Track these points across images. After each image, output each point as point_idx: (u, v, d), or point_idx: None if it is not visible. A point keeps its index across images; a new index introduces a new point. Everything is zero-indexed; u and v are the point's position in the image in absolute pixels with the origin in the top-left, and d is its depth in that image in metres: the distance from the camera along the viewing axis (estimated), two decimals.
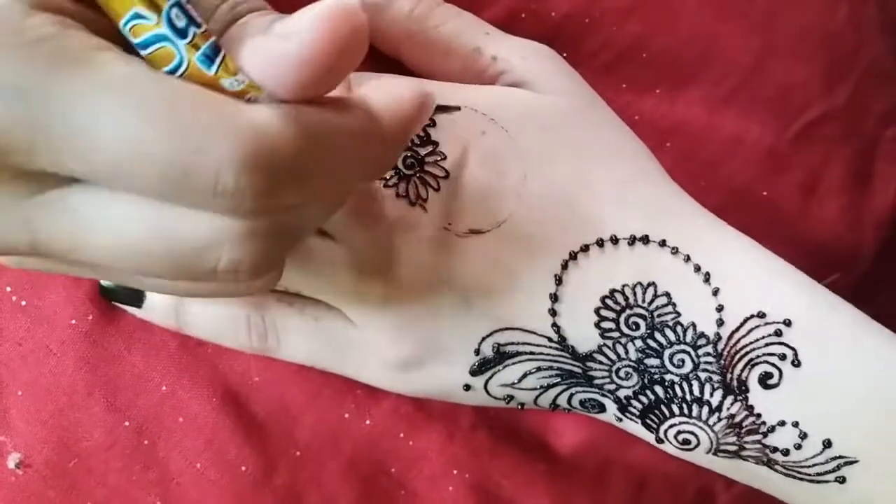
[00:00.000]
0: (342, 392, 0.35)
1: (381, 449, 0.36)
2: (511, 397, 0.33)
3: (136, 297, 0.34)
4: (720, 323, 0.31)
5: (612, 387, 0.32)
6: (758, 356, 0.31)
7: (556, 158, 0.32)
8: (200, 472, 0.34)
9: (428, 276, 0.31)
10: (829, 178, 0.41)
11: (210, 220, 0.21)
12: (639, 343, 0.31)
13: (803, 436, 0.31)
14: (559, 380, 0.32)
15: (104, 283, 0.34)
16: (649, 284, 0.31)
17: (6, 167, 0.20)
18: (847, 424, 0.30)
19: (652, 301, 0.31)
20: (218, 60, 0.21)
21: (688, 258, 0.31)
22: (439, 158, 0.31)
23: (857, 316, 0.32)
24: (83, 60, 0.19)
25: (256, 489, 0.34)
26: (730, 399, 0.31)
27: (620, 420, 0.33)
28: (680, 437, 0.32)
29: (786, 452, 0.31)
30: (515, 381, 0.32)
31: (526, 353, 0.32)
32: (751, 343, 0.31)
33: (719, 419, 0.31)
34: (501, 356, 0.32)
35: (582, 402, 0.33)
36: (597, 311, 0.31)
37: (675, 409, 0.32)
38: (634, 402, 0.32)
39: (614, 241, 0.31)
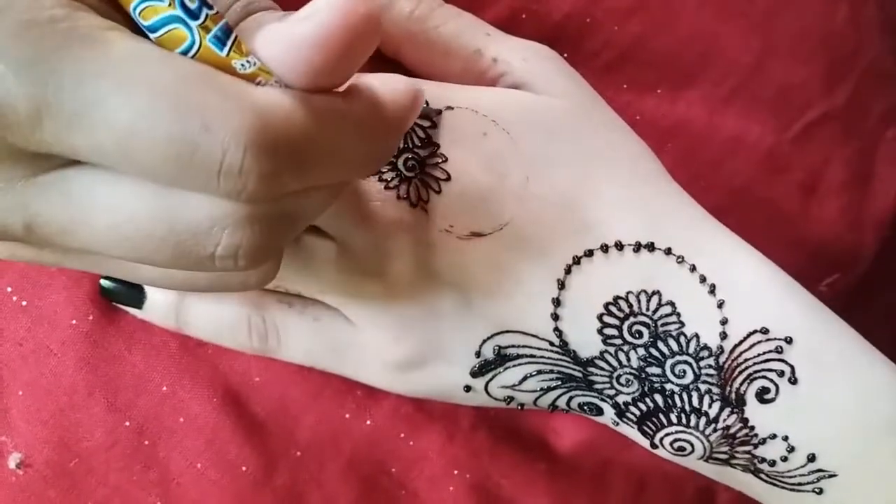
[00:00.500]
0: (342, 392, 0.35)
1: (382, 449, 0.36)
2: (511, 398, 0.33)
3: (137, 298, 0.34)
4: (723, 336, 0.31)
5: (612, 392, 0.32)
6: (757, 371, 0.31)
7: (559, 161, 0.32)
8: (201, 473, 0.34)
9: (429, 278, 0.31)
10: (830, 179, 0.41)
11: (211, 204, 0.21)
12: (641, 351, 0.31)
13: (791, 449, 0.31)
14: (559, 383, 0.32)
15: (104, 283, 0.34)
16: (654, 293, 0.31)
17: (7, 146, 0.20)
18: (832, 441, 0.31)
19: (656, 310, 0.31)
20: (230, 42, 0.21)
21: (693, 268, 0.31)
22: (440, 160, 0.31)
23: (854, 338, 0.32)
24: (94, 39, 0.20)
25: (257, 489, 0.35)
26: (727, 411, 0.31)
27: (617, 424, 0.33)
28: (675, 445, 0.32)
29: (772, 463, 0.32)
30: (516, 383, 0.32)
31: (527, 356, 0.32)
32: (752, 358, 0.31)
33: (715, 430, 0.31)
34: (502, 358, 0.32)
35: (580, 405, 0.33)
36: (600, 317, 0.31)
37: (674, 418, 0.32)
38: (633, 409, 0.32)
39: (619, 247, 0.31)
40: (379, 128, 0.24)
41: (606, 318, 0.31)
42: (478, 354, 0.32)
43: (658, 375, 0.31)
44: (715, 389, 0.31)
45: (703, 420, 0.31)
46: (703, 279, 0.31)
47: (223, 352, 0.35)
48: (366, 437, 0.35)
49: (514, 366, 0.32)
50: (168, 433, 0.34)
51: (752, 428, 0.31)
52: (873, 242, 0.42)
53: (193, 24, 0.21)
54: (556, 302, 0.31)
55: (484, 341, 0.32)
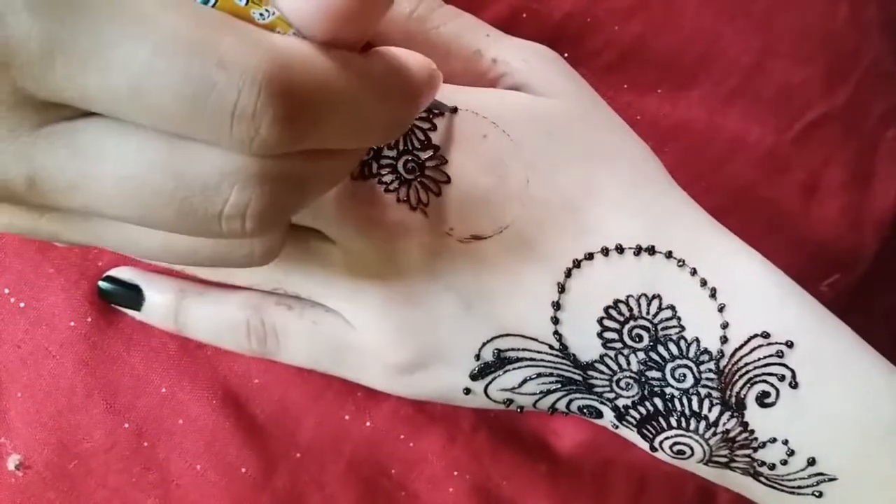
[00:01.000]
0: (343, 394, 0.35)
1: (382, 451, 0.36)
2: (511, 401, 0.33)
3: (135, 300, 0.34)
4: (724, 340, 0.31)
5: (612, 395, 0.32)
6: (758, 375, 0.31)
7: (559, 163, 0.32)
8: (200, 474, 0.34)
9: (429, 281, 0.31)
10: (830, 179, 0.41)
11: (222, 157, 0.21)
12: (641, 355, 0.31)
13: (791, 453, 0.31)
14: (559, 386, 0.32)
15: (103, 284, 0.34)
16: (654, 296, 0.31)
17: (14, 91, 0.20)
18: (832, 445, 0.31)
19: (657, 314, 0.31)
20: None
21: (694, 271, 0.31)
22: (440, 163, 0.31)
23: (854, 340, 0.32)
24: None
25: (256, 491, 0.35)
26: (727, 415, 0.31)
27: (616, 427, 0.33)
28: (675, 448, 0.32)
29: (772, 467, 0.32)
30: (516, 386, 0.32)
31: (527, 360, 0.32)
32: (753, 362, 0.31)
33: (714, 433, 0.32)
34: (502, 361, 0.32)
35: (580, 408, 0.33)
36: (600, 320, 0.31)
37: (674, 421, 0.32)
38: (633, 412, 0.32)
39: (620, 250, 0.31)
40: (397, 92, 0.24)
41: (606, 322, 0.31)
42: (477, 357, 0.32)
43: (658, 379, 0.31)
44: (715, 393, 0.31)
45: (702, 424, 0.31)
46: (703, 283, 0.31)
47: (222, 354, 0.35)
48: (366, 439, 0.35)
49: (514, 369, 0.32)
50: (167, 435, 0.34)
51: (752, 432, 0.31)
52: (873, 242, 0.42)
53: None
54: (556, 305, 0.31)
55: (484, 344, 0.32)
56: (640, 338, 0.31)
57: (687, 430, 0.32)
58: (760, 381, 0.31)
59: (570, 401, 0.33)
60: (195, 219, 0.22)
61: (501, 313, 0.31)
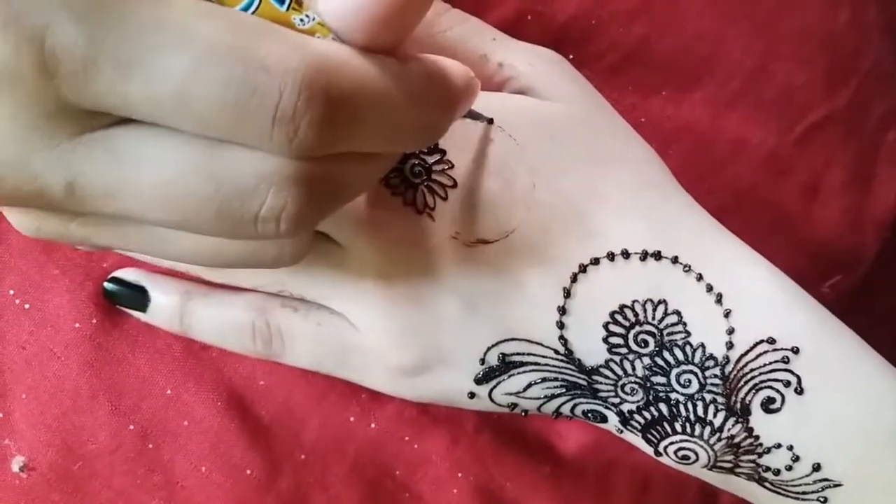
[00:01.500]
0: (347, 395, 0.35)
1: (386, 452, 0.36)
2: (515, 405, 0.33)
3: (141, 301, 0.34)
4: (730, 346, 0.31)
5: (617, 400, 0.32)
6: (763, 381, 0.31)
7: (565, 167, 0.32)
8: (205, 476, 0.34)
9: (434, 284, 0.31)
10: (831, 180, 0.41)
11: (260, 160, 0.21)
12: (646, 360, 0.31)
13: (796, 458, 0.31)
14: (564, 391, 0.32)
15: (108, 286, 0.34)
16: (660, 302, 0.31)
17: (57, 100, 0.20)
18: (838, 451, 0.31)
19: (662, 319, 0.31)
20: None
21: (700, 277, 0.31)
22: (447, 167, 0.31)
23: (859, 345, 0.32)
24: None
25: (261, 492, 0.35)
26: (732, 421, 0.31)
27: (621, 432, 0.33)
28: (680, 454, 0.32)
29: (777, 472, 0.32)
30: (520, 391, 0.32)
31: (531, 364, 0.32)
32: (758, 368, 0.31)
33: (719, 439, 0.32)
34: (507, 366, 0.32)
35: (585, 413, 0.33)
36: (605, 325, 0.31)
37: (678, 427, 0.32)
38: (637, 417, 0.32)
39: (626, 255, 0.31)
40: (433, 98, 0.24)
41: (612, 327, 0.31)
42: (482, 361, 0.32)
43: (663, 384, 0.31)
44: (720, 399, 0.31)
45: (707, 429, 0.32)
46: (709, 288, 0.31)
47: (227, 355, 0.35)
48: (370, 441, 0.36)
49: (519, 373, 0.32)
50: (172, 436, 0.34)
51: (757, 437, 0.31)
52: (874, 243, 0.42)
53: None
54: (562, 310, 0.31)
55: (489, 348, 0.32)
56: (646, 343, 0.31)
57: (692, 435, 0.32)
58: (766, 387, 0.31)
59: (575, 405, 0.33)
60: (232, 221, 0.22)
61: (507, 317, 0.31)
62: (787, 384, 0.31)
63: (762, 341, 0.31)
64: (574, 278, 0.31)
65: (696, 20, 0.39)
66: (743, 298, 0.31)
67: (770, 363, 0.31)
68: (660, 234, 0.32)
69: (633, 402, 0.32)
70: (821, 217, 0.41)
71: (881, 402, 0.31)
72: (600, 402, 0.32)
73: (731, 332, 0.31)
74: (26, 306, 0.34)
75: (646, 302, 0.31)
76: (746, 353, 0.31)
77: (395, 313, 0.32)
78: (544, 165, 0.32)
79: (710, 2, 0.39)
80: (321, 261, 0.32)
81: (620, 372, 0.32)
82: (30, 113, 0.20)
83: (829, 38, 0.41)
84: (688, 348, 0.31)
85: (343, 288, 0.32)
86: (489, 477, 0.36)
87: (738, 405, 0.31)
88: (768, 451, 0.31)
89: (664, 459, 0.33)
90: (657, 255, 0.31)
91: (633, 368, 0.32)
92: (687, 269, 0.31)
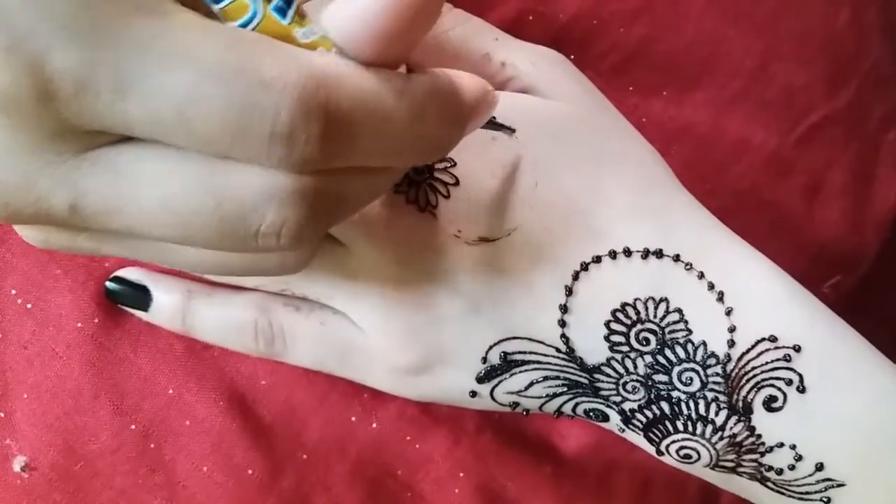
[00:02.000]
0: (349, 395, 0.35)
1: (388, 452, 0.36)
2: (516, 404, 0.33)
3: (143, 300, 0.34)
4: (731, 344, 0.31)
5: (618, 399, 0.32)
6: (765, 379, 0.31)
7: (567, 166, 0.32)
8: (207, 476, 0.34)
9: (436, 283, 0.31)
10: (832, 181, 0.41)
11: (260, 177, 0.21)
12: (648, 358, 0.31)
13: (798, 458, 0.31)
14: (565, 389, 0.32)
15: (110, 285, 0.34)
16: (662, 300, 0.31)
17: (57, 120, 0.20)
18: (840, 450, 0.31)
19: (664, 317, 0.31)
20: (291, 11, 0.22)
21: (702, 275, 0.31)
22: (449, 165, 0.31)
23: (862, 345, 0.32)
24: (152, 10, 0.20)
25: (263, 492, 0.35)
26: (734, 419, 0.31)
27: (623, 431, 0.33)
28: (681, 452, 0.32)
29: (779, 472, 0.32)
30: (522, 389, 0.32)
31: (533, 363, 0.32)
32: (760, 366, 0.31)
33: (721, 438, 0.32)
34: (508, 364, 0.32)
35: (586, 412, 0.33)
36: (607, 324, 0.31)
37: (680, 425, 0.32)
38: (639, 416, 0.32)
39: (627, 253, 0.31)
40: (440, 113, 0.24)
41: (614, 325, 0.31)
42: (484, 360, 0.32)
43: (665, 383, 0.31)
44: (722, 397, 0.31)
45: (709, 428, 0.32)
46: (711, 286, 0.31)
47: (229, 355, 0.35)
48: (372, 440, 0.36)
49: (521, 372, 0.32)
50: (174, 436, 0.34)
51: (759, 436, 0.31)
52: (874, 244, 0.42)
53: None
54: (564, 308, 0.31)
55: (490, 347, 0.32)
56: (648, 341, 0.31)
57: (693, 434, 0.32)
58: (768, 386, 0.31)
59: (577, 404, 0.33)
60: (234, 236, 0.22)
61: (508, 316, 0.31)
62: (789, 382, 0.31)
63: (764, 339, 0.31)
64: (576, 276, 0.31)
65: (697, 21, 0.39)
66: (744, 297, 0.31)
67: (772, 361, 0.31)
68: (661, 233, 0.32)
69: (634, 401, 0.32)
70: (821, 217, 0.41)
71: (885, 401, 0.31)
72: (602, 401, 0.32)
73: (732, 330, 0.31)
74: (28, 306, 0.34)
75: (647, 300, 0.31)
76: (748, 351, 0.31)
77: (397, 312, 0.32)
78: (546, 164, 0.32)
79: (710, 2, 0.39)
80: (323, 260, 0.32)
81: (622, 370, 0.32)
82: (32, 136, 0.20)
83: (830, 39, 0.41)
84: (689, 346, 0.31)
85: (345, 287, 0.32)
86: (490, 477, 0.36)
87: (740, 403, 0.31)
88: (770, 450, 0.31)
89: (666, 459, 0.33)
90: (659, 254, 0.31)
91: (635, 367, 0.32)
92: (688, 267, 0.31)
